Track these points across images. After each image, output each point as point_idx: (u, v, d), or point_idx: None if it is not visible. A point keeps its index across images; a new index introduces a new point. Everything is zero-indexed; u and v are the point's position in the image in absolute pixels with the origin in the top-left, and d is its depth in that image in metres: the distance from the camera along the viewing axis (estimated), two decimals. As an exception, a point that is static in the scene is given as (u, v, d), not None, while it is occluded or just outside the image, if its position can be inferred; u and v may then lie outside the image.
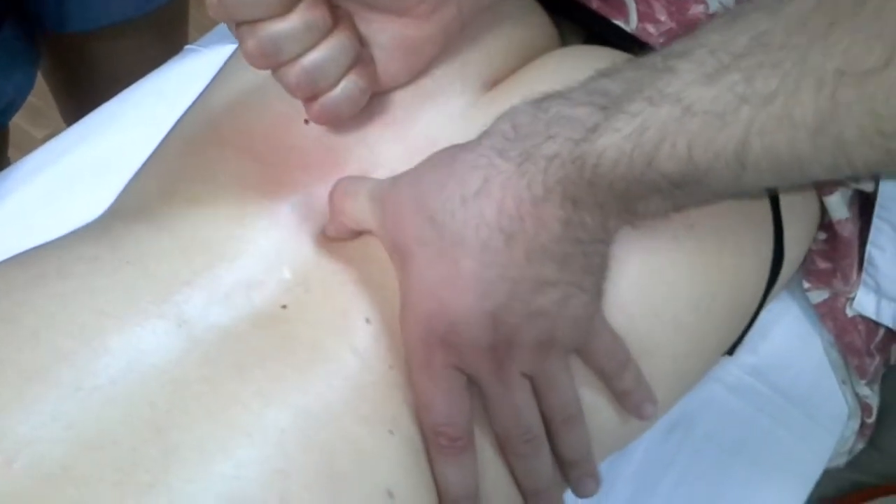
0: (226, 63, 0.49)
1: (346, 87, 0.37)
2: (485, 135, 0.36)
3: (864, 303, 0.55)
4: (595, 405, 0.40)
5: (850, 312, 0.55)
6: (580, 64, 0.45)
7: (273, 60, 0.36)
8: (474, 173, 0.34)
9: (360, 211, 0.38)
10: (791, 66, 0.29)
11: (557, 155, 0.33)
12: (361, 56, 0.38)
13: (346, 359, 0.36)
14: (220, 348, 0.34)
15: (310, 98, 0.38)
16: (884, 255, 0.53)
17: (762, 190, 0.43)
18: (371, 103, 0.42)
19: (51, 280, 0.35)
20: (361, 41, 0.39)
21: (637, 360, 0.40)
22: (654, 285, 0.40)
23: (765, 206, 0.46)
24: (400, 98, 0.42)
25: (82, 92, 0.79)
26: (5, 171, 0.62)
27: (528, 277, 0.34)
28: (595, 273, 0.37)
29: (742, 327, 0.47)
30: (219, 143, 0.42)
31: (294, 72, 0.36)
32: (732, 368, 0.55)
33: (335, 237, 0.40)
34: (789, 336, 0.58)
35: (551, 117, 0.34)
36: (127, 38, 0.73)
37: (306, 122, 0.41)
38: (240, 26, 0.36)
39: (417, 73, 0.42)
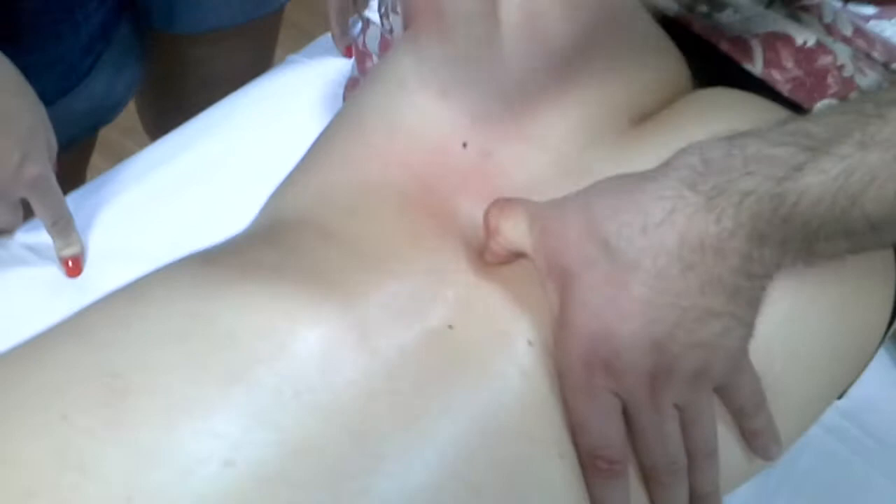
0: (372, 78, 0.50)
1: None
2: (670, 167, 0.36)
3: None
4: (726, 441, 0.40)
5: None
6: (728, 108, 0.47)
7: None
8: (659, 203, 0.35)
9: (516, 231, 0.38)
10: None
11: (754, 191, 0.34)
12: None
13: (514, 379, 0.36)
14: (399, 364, 0.35)
15: None
16: None
17: None
18: (525, 128, 0.43)
19: (236, 282, 0.36)
20: None
21: (769, 399, 0.41)
22: (798, 327, 0.41)
23: (889, 256, 0.47)
24: (554, 124, 0.44)
25: (171, 94, 0.80)
26: (113, 171, 0.63)
27: (697, 307, 0.35)
28: (755, 307, 0.37)
29: (860, 372, 0.48)
30: (380, 162, 0.43)
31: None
32: (832, 413, 0.56)
33: (492, 262, 0.40)
34: (880, 381, 0.59)
35: (749, 155, 0.34)
36: (226, 44, 0.74)
37: (464, 145, 0.43)
38: None
39: None
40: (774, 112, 0.48)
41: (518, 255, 0.40)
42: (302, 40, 0.78)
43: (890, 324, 0.49)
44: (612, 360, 0.35)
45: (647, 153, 0.41)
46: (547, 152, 0.43)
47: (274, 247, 0.39)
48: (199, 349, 0.32)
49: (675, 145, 0.39)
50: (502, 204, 0.40)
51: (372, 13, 0.62)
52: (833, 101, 0.51)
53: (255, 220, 0.45)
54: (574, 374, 0.36)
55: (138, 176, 0.62)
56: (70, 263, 0.55)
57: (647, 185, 0.36)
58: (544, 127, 0.43)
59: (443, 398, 0.34)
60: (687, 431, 0.38)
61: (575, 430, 0.37)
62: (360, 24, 0.68)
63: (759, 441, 0.41)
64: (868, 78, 0.52)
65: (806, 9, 0.56)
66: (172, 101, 0.79)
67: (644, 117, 0.46)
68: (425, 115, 0.43)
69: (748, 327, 0.37)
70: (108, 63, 0.62)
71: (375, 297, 0.37)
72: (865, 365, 0.49)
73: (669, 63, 0.50)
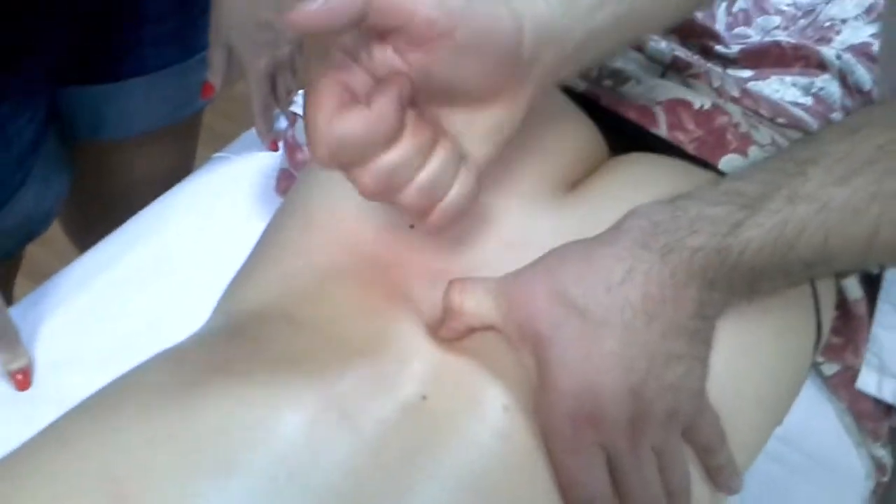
0: (311, 170, 0.52)
1: (460, 188, 0.39)
2: (621, 231, 0.40)
3: (867, 381, 0.61)
4: (693, 479, 0.43)
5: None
6: (649, 169, 0.51)
7: (392, 191, 0.37)
8: (618, 265, 0.39)
9: (480, 308, 0.41)
10: None
11: (702, 247, 0.38)
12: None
13: (492, 443, 0.38)
14: (382, 438, 0.36)
15: (427, 209, 0.39)
16: (889, 335, 0.60)
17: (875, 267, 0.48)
18: None
19: (215, 378, 0.37)
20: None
21: (727, 434, 0.43)
22: (741, 361, 0.44)
23: (808, 288, 0.52)
24: (494, 200, 0.47)
25: (98, 201, 0.80)
26: (55, 279, 0.63)
27: (662, 353, 0.39)
28: (709, 345, 0.41)
29: (796, 396, 0.52)
30: (332, 249, 0.44)
31: (411, 194, 0.38)
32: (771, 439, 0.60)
33: (449, 338, 0.42)
34: (807, 406, 0.63)
35: (693, 216, 0.39)
36: (150, 147, 0.76)
37: (411, 226, 0.45)
38: (351, 169, 0.36)
39: (501, 150, 0.42)
40: (686, 169, 0.53)
41: (477, 330, 0.43)
42: (218, 142, 0.80)
43: (816, 344, 0.54)
44: (597, 412, 0.38)
45: (585, 219, 0.45)
46: (489, 226, 0.46)
47: (244, 339, 0.41)
48: (189, 447, 0.33)
49: (610, 208, 0.43)
50: (461, 284, 0.42)
51: (298, 108, 0.64)
52: (736, 157, 0.56)
53: (214, 316, 0.46)
54: (562, 432, 0.39)
55: (80, 283, 0.62)
56: (19, 377, 0.55)
57: (604, 249, 0.40)
58: (484, 203, 0.46)
59: (428, 467, 0.36)
60: (664, 473, 0.41)
61: (566, 487, 0.39)
62: (284, 119, 0.71)
63: (723, 477, 0.43)
64: (761, 132, 0.58)
65: (696, 76, 0.62)
66: (99, 207, 0.79)
67: (571, 186, 0.50)
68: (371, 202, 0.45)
69: (705, 367, 0.41)
70: (37, 176, 0.63)
71: (348, 376, 0.38)
72: (800, 388, 0.53)
73: (586, 134, 0.55)
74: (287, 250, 0.47)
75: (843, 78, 0.72)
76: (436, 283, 0.43)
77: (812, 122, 0.64)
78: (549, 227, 0.46)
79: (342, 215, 0.46)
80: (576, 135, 0.53)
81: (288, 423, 0.35)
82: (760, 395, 0.45)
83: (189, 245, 0.65)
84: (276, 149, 0.73)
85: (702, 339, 0.40)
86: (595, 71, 0.58)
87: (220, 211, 0.69)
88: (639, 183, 0.48)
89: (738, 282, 0.39)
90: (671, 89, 0.57)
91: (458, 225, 0.45)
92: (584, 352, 0.38)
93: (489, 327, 0.42)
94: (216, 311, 0.46)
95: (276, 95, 0.72)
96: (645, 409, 0.38)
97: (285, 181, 0.69)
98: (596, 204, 0.45)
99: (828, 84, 0.71)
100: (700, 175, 0.53)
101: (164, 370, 0.39)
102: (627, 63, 0.61)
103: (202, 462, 0.33)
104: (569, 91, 0.56)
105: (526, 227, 0.46)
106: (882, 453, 0.63)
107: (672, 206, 0.40)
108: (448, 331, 0.42)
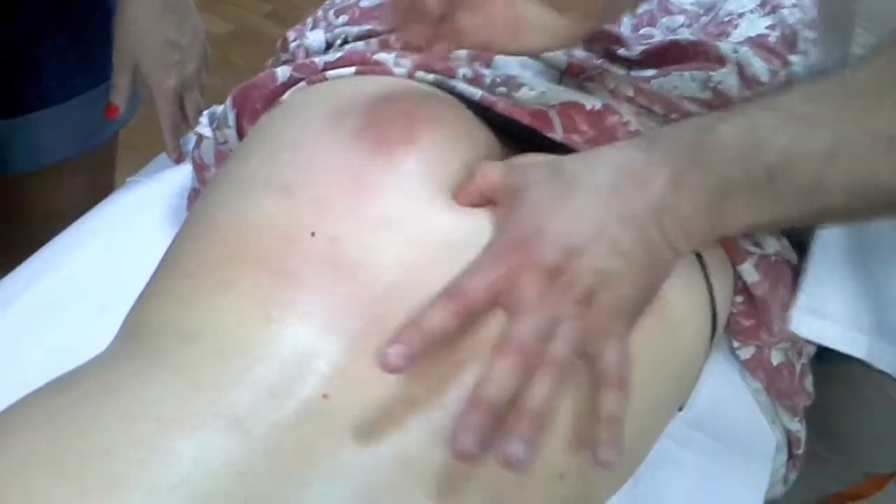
0: (217, 180, 0.52)
1: None
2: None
3: (804, 325, 0.62)
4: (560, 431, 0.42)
5: (775, 361, 0.64)
6: None
7: None
8: (611, 148, 0.45)
9: (492, 168, 0.47)
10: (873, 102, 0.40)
11: (682, 136, 0.43)
12: None
13: (395, 440, 0.39)
14: (276, 439, 0.37)
15: None
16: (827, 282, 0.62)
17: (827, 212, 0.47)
18: (362, 207, 0.46)
19: (106, 398, 0.37)
20: None
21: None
22: (643, 334, 0.45)
23: (699, 274, 0.54)
24: (394, 205, 0.47)
25: (12, 233, 0.79)
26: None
27: (609, 235, 0.42)
28: (654, 275, 0.44)
29: (692, 385, 0.54)
30: (235, 260, 0.45)
31: None
32: (680, 425, 0.62)
33: (463, 202, 0.47)
34: (719, 389, 0.65)
35: (681, 123, 0.45)
36: (61, 177, 0.75)
37: (312, 234, 0.46)
38: None
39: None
40: None
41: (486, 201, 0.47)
42: (142, 162, 0.80)
43: (712, 334, 0.56)
44: (529, 246, 0.42)
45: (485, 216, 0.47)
46: (391, 233, 0.47)
47: (136, 356, 0.41)
48: (76, 468, 0.34)
49: None
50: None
51: (203, 129, 0.65)
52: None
53: (116, 337, 0.46)
54: (491, 249, 0.43)
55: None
56: None
57: (608, 146, 0.47)
58: (384, 207, 0.47)
59: (326, 466, 0.37)
60: (548, 347, 0.41)
61: (462, 274, 0.42)
62: (193, 140, 0.71)
63: (603, 435, 0.41)
64: (650, 130, 0.60)
65: (590, 79, 0.64)
66: (17, 238, 0.78)
67: None
68: (272, 212, 0.46)
69: (639, 293, 0.43)
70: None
71: (243, 382, 0.39)
72: (695, 379, 0.55)
73: (483, 140, 0.56)
74: (188, 263, 0.47)
75: (741, 70, 0.75)
76: (337, 290, 0.44)
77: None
78: (451, 219, 0.47)
79: (245, 227, 0.46)
80: (474, 143, 0.54)
81: (177, 437, 0.36)
82: (637, 383, 0.45)
83: (100, 271, 0.65)
84: (180, 161, 0.74)
85: (651, 257, 0.43)
86: (489, 78, 0.59)
87: (132, 235, 0.68)
88: None
89: (704, 188, 0.42)
90: (565, 93, 0.59)
91: (358, 232, 0.46)
92: (549, 200, 0.43)
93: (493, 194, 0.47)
94: (119, 330, 0.47)
95: (185, 114, 0.73)
96: (569, 273, 0.41)
97: (196, 199, 0.69)
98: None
99: (726, 77, 0.73)
100: None
101: (61, 391, 0.40)
102: (524, 70, 0.63)
103: (86, 481, 0.33)
104: (464, 100, 0.58)
105: (432, 222, 0.47)
106: (798, 427, 0.66)
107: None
108: (463, 194, 0.47)
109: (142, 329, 0.44)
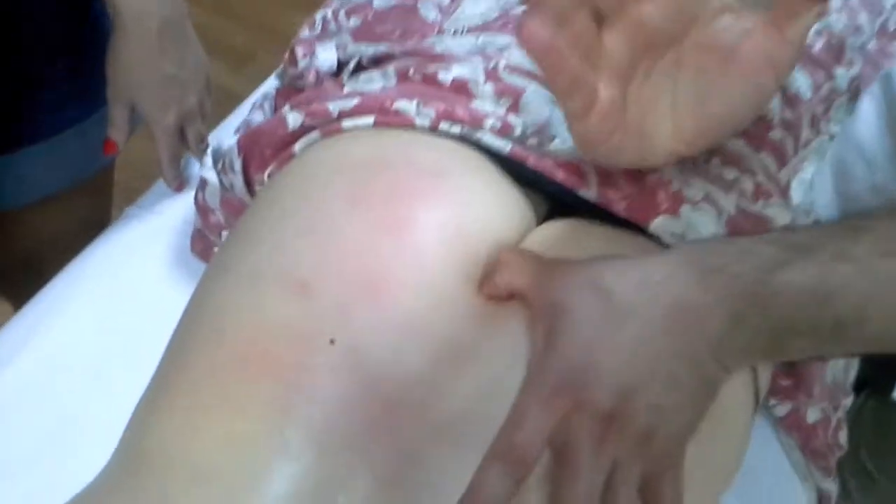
0: (223, 267, 0.48)
1: None
2: (671, 249, 0.41)
3: None
4: None
5: (810, 419, 0.61)
6: (576, 243, 0.49)
7: None
8: (660, 268, 0.40)
9: (522, 266, 0.42)
10: None
11: (742, 275, 0.38)
12: None
13: None
14: None
15: None
16: None
17: None
18: (389, 315, 0.42)
19: None
20: None
21: None
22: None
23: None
24: (414, 308, 0.42)
25: (4, 258, 0.75)
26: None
27: (666, 370, 0.38)
28: (706, 402, 0.40)
29: (738, 468, 0.52)
30: (248, 372, 0.40)
31: None
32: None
33: (487, 293, 0.43)
34: (752, 447, 0.63)
35: (742, 248, 0.40)
36: (54, 210, 0.71)
37: (332, 342, 0.41)
38: None
39: None
40: (615, 235, 0.51)
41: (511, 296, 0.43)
42: (138, 176, 0.75)
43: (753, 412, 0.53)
44: (583, 386, 0.37)
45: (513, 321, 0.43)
46: (416, 337, 0.43)
47: (140, 498, 0.38)
48: None
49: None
50: (513, 250, 0.45)
51: (207, 171, 0.60)
52: (667, 218, 0.54)
53: (116, 459, 0.42)
54: (540, 386, 0.38)
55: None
56: None
57: (650, 257, 0.42)
58: (400, 303, 0.43)
59: None
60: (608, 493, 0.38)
61: (508, 424, 0.38)
62: (195, 162, 0.66)
63: None
64: (693, 186, 0.55)
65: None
66: (7, 268, 0.75)
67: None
68: (286, 312, 0.42)
69: (695, 419, 0.40)
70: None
71: None
72: (742, 459, 0.52)
73: (512, 205, 0.52)
74: (195, 373, 0.43)
75: (784, 89, 0.69)
76: (358, 406, 0.40)
77: (751, 154, 0.61)
78: (480, 333, 0.43)
79: (257, 331, 0.42)
80: (499, 209, 0.50)
81: None
82: (704, 477, 0.44)
83: (98, 326, 0.61)
84: (182, 189, 0.71)
85: (707, 386, 0.39)
86: (519, 128, 0.54)
87: (131, 279, 0.65)
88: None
89: (766, 328, 0.39)
90: (602, 144, 0.54)
91: (384, 337, 0.42)
92: (598, 330, 0.38)
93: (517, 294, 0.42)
94: (120, 450, 0.43)
95: (188, 144, 0.68)
96: (626, 414, 0.37)
97: (200, 241, 0.65)
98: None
99: (768, 99, 0.68)
100: (629, 241, 0.51)
101: None
102: (554, 110, 0.57)
103: None
104: (493, 155, 0.53)
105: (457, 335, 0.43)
106: (831, 486, 0.63)
107: (724, 238, 0.42)
108: (488, 286, 0.43)
109: (146, 457, 0.40)
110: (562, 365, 0.38)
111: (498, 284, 0.43)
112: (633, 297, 0.39)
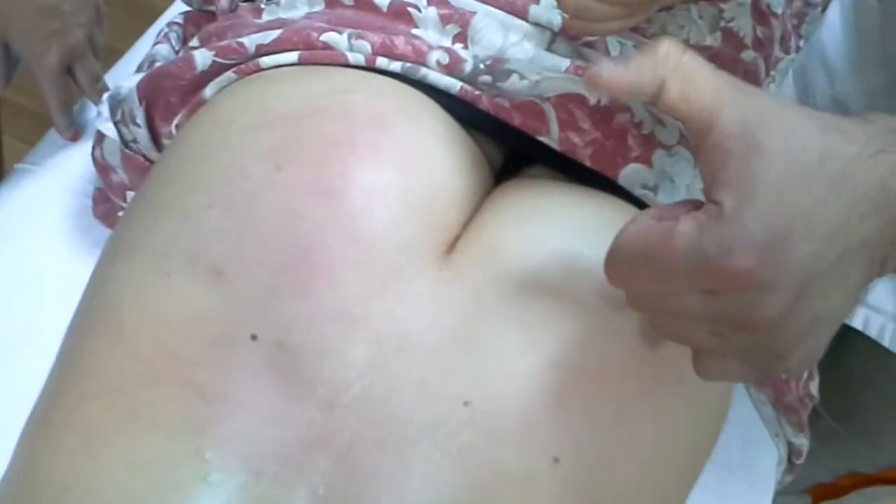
0: (126, 246, 0.40)
1: None
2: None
3: None
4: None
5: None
6: (540, 214, 0.43)
7: None
8: (869, 140, 0.31)
9: (707, 78, 0.32)
10: None
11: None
12: None
13: None
14: None
15: None
16: None
17: None
18: (323, 302, 0.36)
19: None
20: None
21: None
22: (664, 444, 0.41)
23: None
24: (354, 293, 0.37)
25: None
26: None
27: (837, 273, 0.31)
28: (854, 304, 0.33)
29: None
30: (149, 377, 0.34)
31: None
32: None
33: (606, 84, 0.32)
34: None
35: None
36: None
37: (253, 338, 0.35)
38: None
39: None
40: (576, 201, 0.45)
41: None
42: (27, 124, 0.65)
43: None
44: (775, 261, 0.30)
45: (465, 282, 0.38)
46: (353, 327, 0.36)
47: None
48: None
49: (492, 267, 0.38)
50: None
51: (103, 123, 0.51)
52: (639, 167, 0.48)
53: (5, 479, 0.35)
54: (744, 226, 0.30)
55: None
56: None
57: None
58: (340, 297, 0.36)
59: None
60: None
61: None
62: (92, 107, 0.57)
63: None
64: (667, 128, 0.49)
65: (590, 44, 0.52)
66: None
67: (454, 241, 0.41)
68: (197, 304, 0.35)
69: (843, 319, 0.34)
70: None
71: None
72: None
73: (467, 156, 0.45)
74: (92, 379, 0.36)
75: (755, 2, 0.62)
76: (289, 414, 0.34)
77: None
78: (429, 317, 0.37)
79: (162, 326, 0.35)
80: (447, 173, 0.43)
81: None
82: (680, 471, 0.42)
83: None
84: (77, 139, 0.62)
85: (866, 275, 0.32)
86: (469, 63, 0.47)
87: (29, 242, 0.56)
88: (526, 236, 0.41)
89: None
90: (564, 82, 0.47)
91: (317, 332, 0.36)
92: (796, 171, 0.30)
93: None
94: (8, 474, 0.36)
95: (80, 85, 0.59)
96: (783, 260, 0.30)
97: (103, 203, 0.56)
98: (479, 266, 0.38)
99: (739, 13, 0.61)
100: (594, 201, 0.45)
101: None
102: (507, 36, 0.50)
103: None
104: (440, 95, 0.46)
105: (402, 322, 0.37)
106: (803, 441, 0.60)
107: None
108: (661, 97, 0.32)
109: (36, 487, 0.33)
110: (755, 229, 0.30)
111: (671, 97, 0.32)
112: (844, 168, 0.31)
